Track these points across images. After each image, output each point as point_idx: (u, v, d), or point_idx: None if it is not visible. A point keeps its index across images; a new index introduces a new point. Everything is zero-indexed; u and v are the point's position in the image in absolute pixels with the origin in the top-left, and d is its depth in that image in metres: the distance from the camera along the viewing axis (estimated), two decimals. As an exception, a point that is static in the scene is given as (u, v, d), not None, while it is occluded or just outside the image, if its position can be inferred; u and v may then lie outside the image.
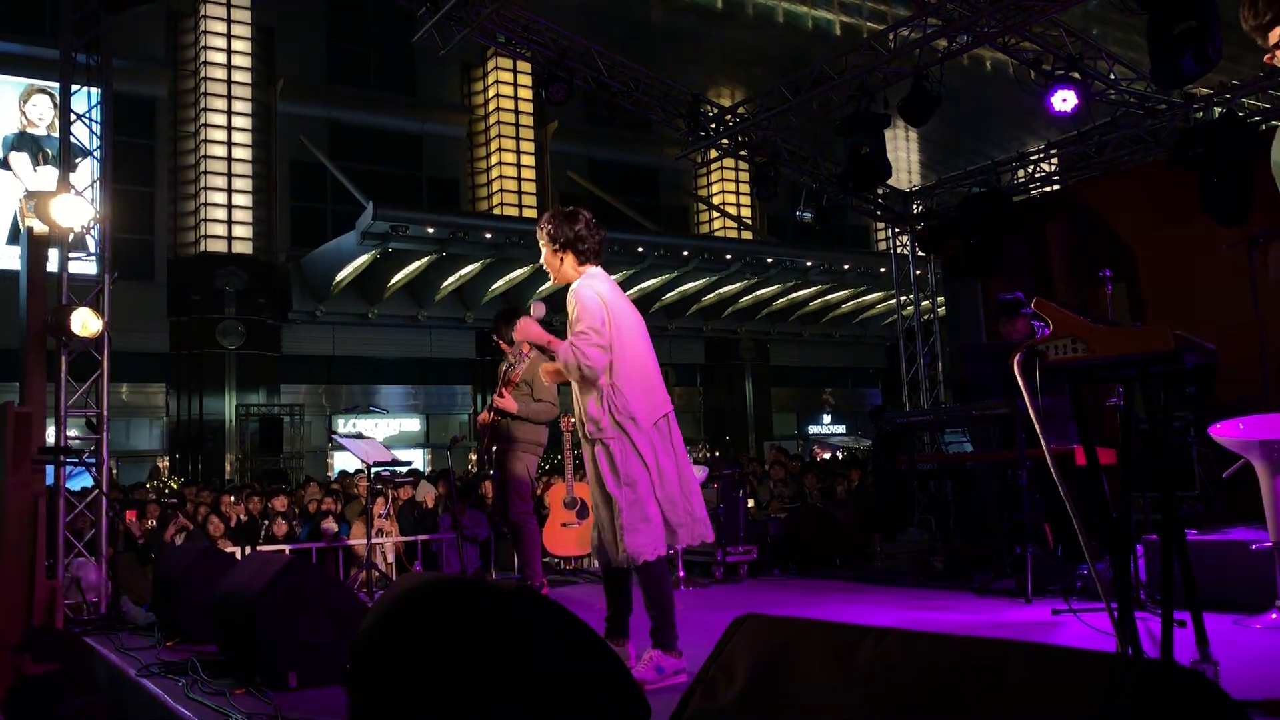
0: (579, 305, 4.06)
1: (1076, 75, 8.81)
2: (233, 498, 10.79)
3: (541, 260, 4.30)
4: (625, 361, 4.08)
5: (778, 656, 1.74)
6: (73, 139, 7.35)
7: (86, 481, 8.47)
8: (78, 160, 7.40)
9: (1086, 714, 1.26)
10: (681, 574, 7.15)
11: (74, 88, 7.38)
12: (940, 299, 12.83)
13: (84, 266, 7.42)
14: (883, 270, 21.22)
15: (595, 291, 4.10)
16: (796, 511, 8.92)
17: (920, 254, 12.56)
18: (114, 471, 7.63)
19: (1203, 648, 3.21)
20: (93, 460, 7.04)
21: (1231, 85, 9.34)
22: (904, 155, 24.97)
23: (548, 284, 20.76)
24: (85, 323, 6.73)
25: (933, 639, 1.60)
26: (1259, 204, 8.09)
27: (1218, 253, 6.08)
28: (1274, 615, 4.45)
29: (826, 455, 21.65)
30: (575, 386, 4.19)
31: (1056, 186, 11.38)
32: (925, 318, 12.79)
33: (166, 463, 19.73)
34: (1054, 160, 11.38)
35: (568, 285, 4.30)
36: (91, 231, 7.30)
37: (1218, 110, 9.37)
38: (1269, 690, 3.38)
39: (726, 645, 1.90)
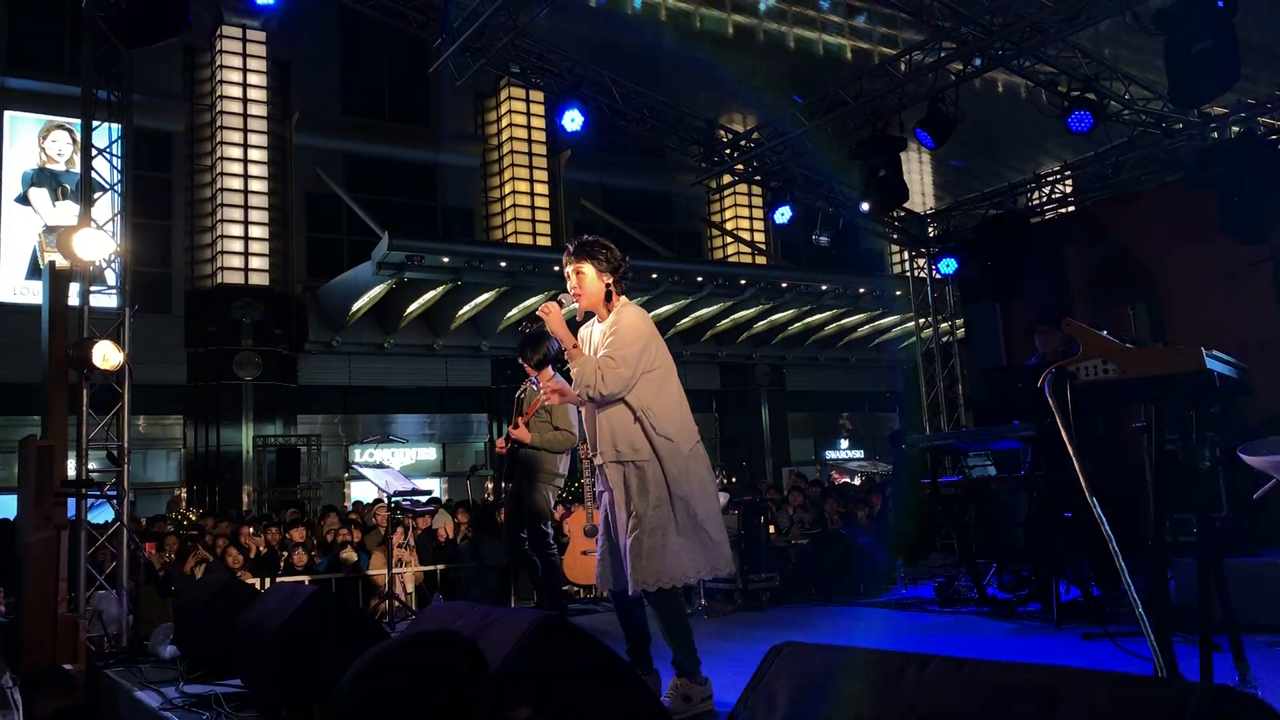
0: (625, 331, 4.01)
1: (1092, 96, 8.80)
2: (252, 529, 10.79)
3: (574, 285, 4.17)
4: (668, 386, 4.07)
5: (820, 685, 1.71)
6: (93, 174, 7.41)
7: (106, 515, 8.49)
8: (97, 195, 7.46)
9: (1147, 741, 1.23)
10: (702, 603, 7.09)
11: (94, 123, 7.45)
12: (959, 321, 12.78)
13: (104, 300, 7.46)
14: (898, 293, 21.14)
15: (647, 324, 4.08)
16: (818, 537, 8.86)
17: (937, 276, 12.52)
18: (133, 504, 7.63)
19: (1243, 670, 3.16)
20: (114, 493, 7.05)
21: (1248, 103, 9.31)
22: (918, 178, 24.96)
23: (563, 312, 20.80)
24: (106, 355, 6.76)
25: (979, 665, 1.57)
26: (1278, 222, 8.05)
27: (1246, 267, 6.03)
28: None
29: (845, 480, 21.53)
30: (593, 408, 4.10)
31: (1073, 208, 11.35)
32: (944, 340, 12.74)
33: (184, 495, 19.75)
34: (1070, 182, 11.36)
35: (589, 313, 4.28)
36: (112, 265, 7.35)
37: (1234, 129, 9.34)
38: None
39: (765, 673, 1.87)
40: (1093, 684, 1.36)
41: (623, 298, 4.21)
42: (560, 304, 4.16)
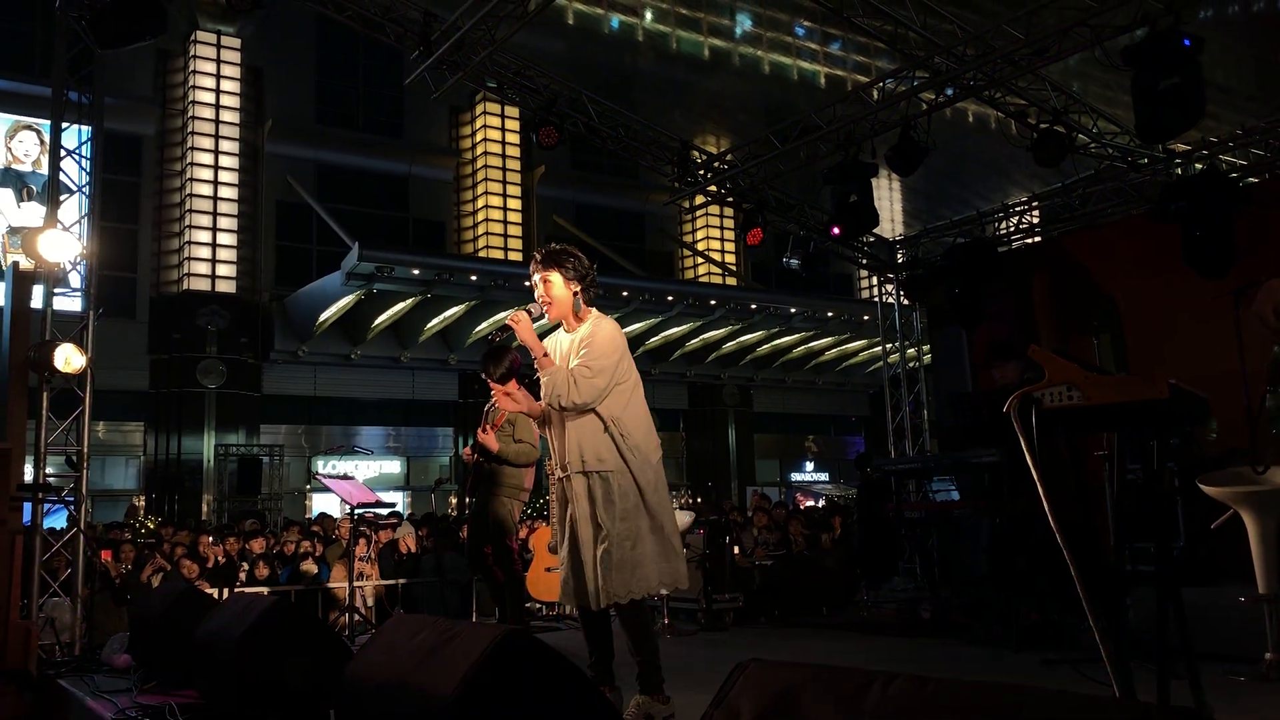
0: (603, 342, 4.03)
1: (1061, 129, 8.94)
2: (211, 538, 10.64)
3: (541, 294, 4.19)
4: (636, 398, 4.09)
5: (783, 702, 1.72)
6: (61, 175, 7.33)
7: (60, 522, 8.35)
8: (64, 197, 7.37)
9: (1106, 761, 1.24)
10: (665, 621, 7.08)
11: (64, 125, 7.37)
12: (925, 347, 12.88)
13: (67, 303, 7.36)
14: (865, 318, 21.33)
15: (621, 337, 4.11)
16: (783, 559, 8.88)
17: (905, 302, 12.63)
18: (89, 510, 7.51)
19: (1198, 696, 3.20)
20: (72, 498, 6.94)
21: (1210, 141, 9.50)
22: (888, 204, 25.20)
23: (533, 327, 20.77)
24: (68, 358, 6.67)
25: (942, 683, 1.58)
26: (1240, 257, 8.20)
27: (1208, 301, 6.13)
28: (1263, 666, 4.44)
29: (809, 503, 21.60)
30: (558, 417, 4.08)
31: (1039, 238, 11.51)
32: (910, 365, 12.84)
33: (143, 502, 19.49)
34: (1037, 212, 11.52)
35: (556, 324, 4.29)
36: (77, 267, 7.26)
37: (1198, 165, 9.52)
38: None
39: (729, 691, 1.87)
40: (1053, 703, 1.38)
41: (594, 310, 4.23)
42: (530, 313, 4.17)
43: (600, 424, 3.99)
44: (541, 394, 4.04)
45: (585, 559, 3.98)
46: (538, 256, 4.23)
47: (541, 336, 4.16)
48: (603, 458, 3.97)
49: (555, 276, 4.16)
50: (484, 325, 20.49)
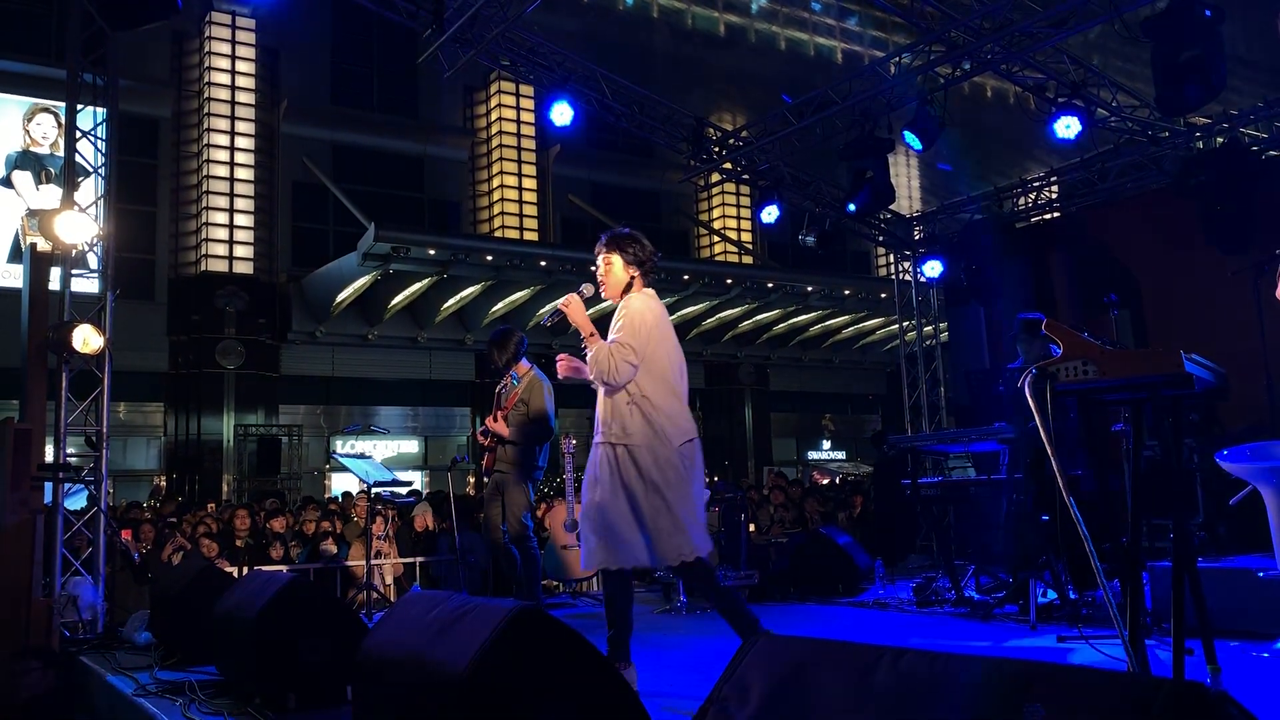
0: (633, 319, 4.12)
1: (1079, 102, 8.84)
2: (246, 511, 10.66)
3: (601, 275, 4.32)
4: (665, 380, 4.16)
5: (794, 676, 1.71)
6: (77, 157, 7.35)
7: (83, 501, 8.42)
8: (81, 179, 7.40)
9: (1116, 735, 1.24)
10: (684, 599, 7.10)
11: (79, 106, 7.39)
12: (943, 324, 12.82)
13: (85, 285, 7.41)
14: (883, 296, 21.21)
15: (653, 314, 4.19)
16: (798, 537, 8.87)
17: (922, 279, 12.56)
18: (111, 490, 7.56)
19: (1214, 672, 3.18)
20: (92, 478, 7.00)
21: (1231, 114, 9.37)
22: (905, 181, 25.01)
23: (548, 307, 20.75)
24: (87, 339, 6.70)
25: (952, 658, 1.57)
26: (1261, 231, 8.11)
27: (1228, 276, 6.08)
28: (1282, 643, 4.41)
29: (826, 481, 21.58)
30: (600, 389, 4.21)
31: (1058, 213, 11.41)
32: (927, 343, 12.78)
33: (163, 482, 19.64)
34: (1055, 187, 11.41)
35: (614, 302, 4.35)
36: (94, 249, 7.29)
37: (1219, 139, 9.41)
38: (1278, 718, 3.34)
39: (740, 664, 1.87)
40: (1064, 677, 1.37)
41: (648, 289, 4.32)
42: (582, 294, 4.33)
43: (626, 396, 4.09)
44: (589, 370, 4.17)
45: (618, 518, 4.02)
46: (603, 238, 4.37)
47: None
48: (629, 431, 4.05)
49: (616, 259, 4.30)
50: (500, 305, 20.49)
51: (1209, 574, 4.93)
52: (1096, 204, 10.60)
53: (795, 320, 24.17)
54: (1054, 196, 11.46)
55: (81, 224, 6.90)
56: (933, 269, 11.93)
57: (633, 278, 4.28)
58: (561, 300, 4.32)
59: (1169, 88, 7.12)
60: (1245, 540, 5.94)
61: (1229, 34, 7.27)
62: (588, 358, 4.15)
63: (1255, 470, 4.64)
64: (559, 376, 4.45)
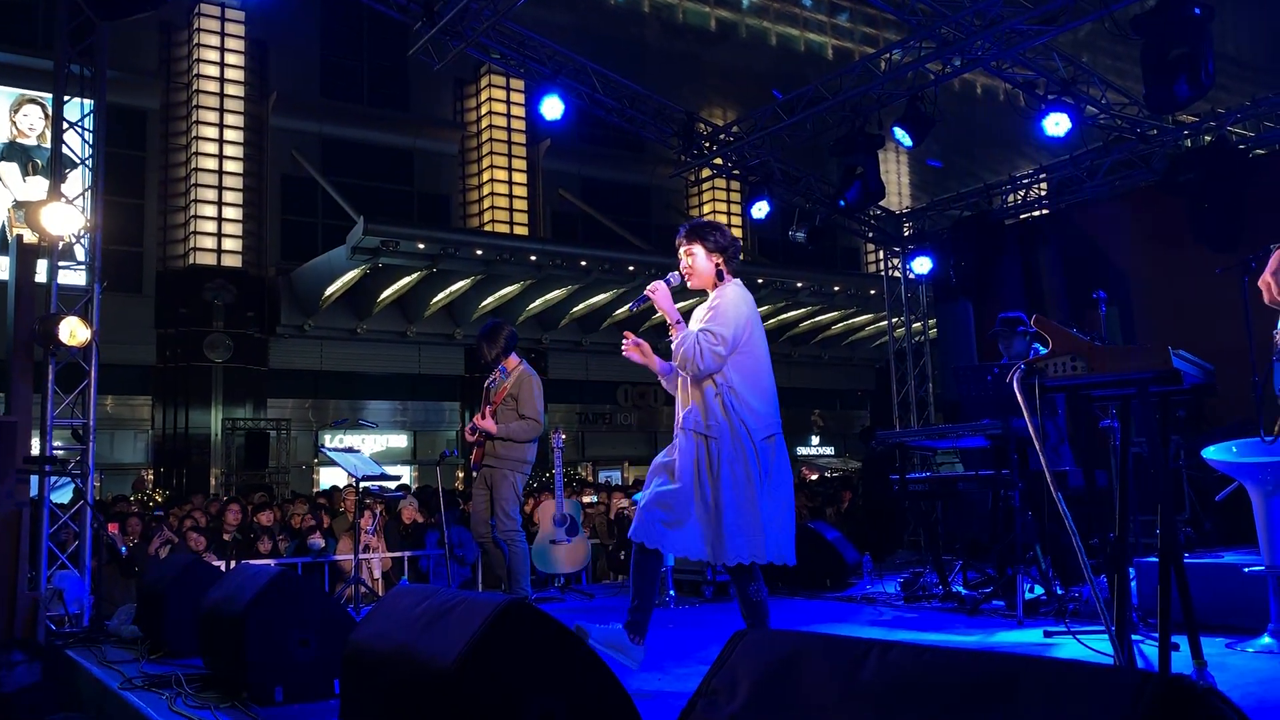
0: (725, 307, 4.13)
1: (1069, 100, 8.86)
2: (236, 505, 10.62)
3: (686, 266, 4.32)
4: (755, 374, 4.15)
5: (782, 670, 1.72)
6: (65, 148, 7.31)
7: (69, 494, 8.38)
8: (68, 171, 7.36)
9: (1103, 728, 1.24)
10: (672, 593, 7.10)
11: (66, 97, 7.34)
12: (931, 321, 12.85)
13: (73, 277, 7.37)
14: (872, 292, 21.25)
15: (747, 304, 4.20)
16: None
17: (911, 276, 12.59)
18: (98, 484, 7.54)
19: (1199, 666, 3.20)
20: (78, 471, 6.97)
21: (1219, 113, 9.41)
22: (895, 177, 25.03)
23: (538, 301, 20.75)
24: (73, 331, 6.67)
25: (939, 652, 1.58)
26: (1249, 229, 8.15)
27: (1216, 274, 6.11)
28: (1267, 639, 4.44)
29: (814, 476, 21.61)
30: (686, 378, 4.19)
31: (1047, 210, 11.44)
32: (916, 340, 12.81)
33: (151, 476, 19.57)
34: (1044, 184, 11.45)
35: (698, 292, 4.39)
36: (81, 241, 7.25)
37: (1207, 137, 9.44)
38: (1263, 714, 3.36)
39: (728, 658, 1.87)
40: (1051, 671, 1.37)
41: (732, 278, 4.31)
42: (669, 283, 4.35)
43: (714, 388, 4.07)
44: (673, 358, 4.15)
45: (670, 504, 4.02)
46: (682, 230, 4.39)
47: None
48: (710, 423, 4.04)
49: (698, 249, 4.29)
50: (489, 300, 20.46)
51: (1195, 569, 4.95)
52: (1085, 201, 10.63)
53: (785, 316, 24.20)
54: (1043, 194, 11.49)
55: (68, 216, 6.86)
56: (922, 265, 11.96)
57: (719, 265, 4.28)
58: (649, 287, 4.32)
59: (1158, 85, 7.15)
60: (1231, 536, 5.97)
61: (1218, 32, 7.29)
62: (673, 345, 4.13)
63: (1241, 466, 4.67)
64: (623, 353, 4.42)
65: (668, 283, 4.34)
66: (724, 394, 4.05)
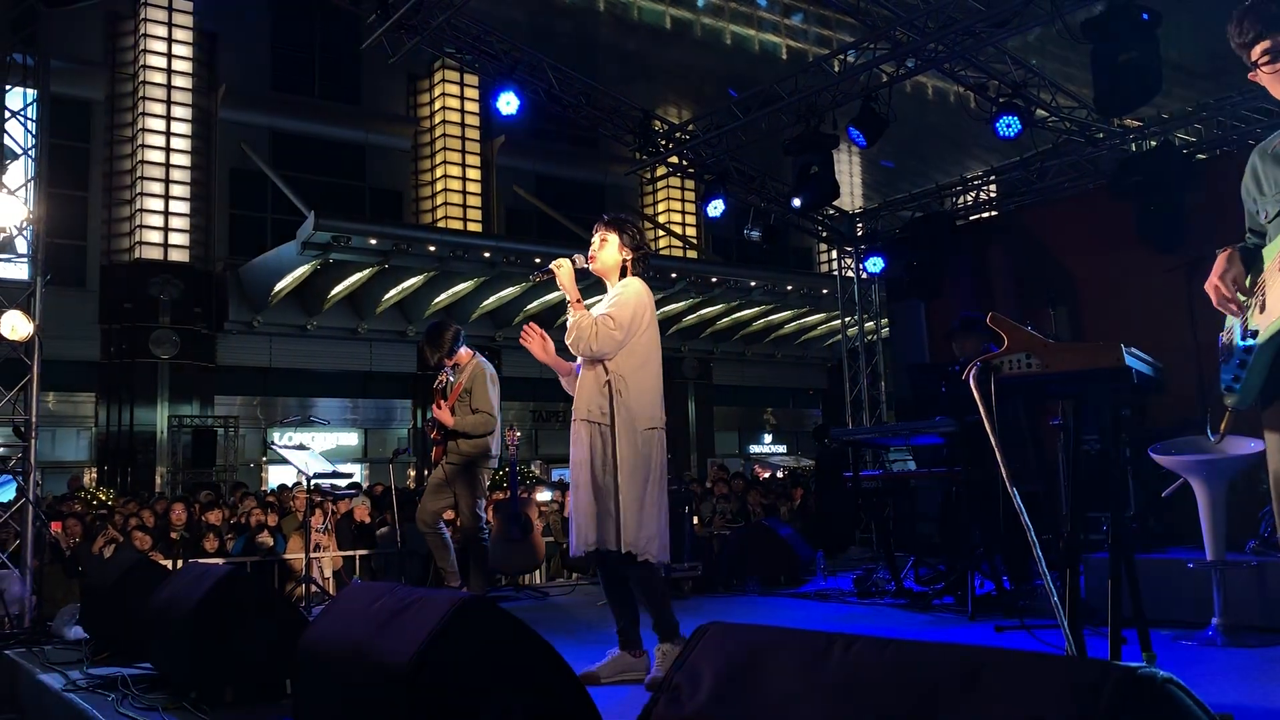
0: (626, 300, 4.16)
1: (1020, 102, 8.98)
2: (181, 505, 10.44)
3: (594, 249, 4.35)
4: (644, 367, 4.18)
5: (745, 663, 1.71)
6: (6, 138, 7.14)
7: (11, 493, 8.18)
8: (9, 161, 7.19)
9: (1065, 715, 1.25)
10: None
11: (8, 86, 7.17)
12: (883, 320, 12.97)
13: (14, 270, 7.22)
14: (825, 291, 21.41)
15: (648, 301, 4.25)
16: (742, 529, 8.92)
17: (864, 275, 12.70)
18: (39, 482, 7.35)
19: (1149, 659, 3.25)
20: (20, 469, 6.81)
21: (1163, 118, 9.59)
22: (848, 177, 25.23)
23: (491, 299, 20.64)
24: (15, 326, 6.53)
25: (902, 644, 1.58)
26: (1192, 231, 8.32)
27: (1162, 274, 6.24)
28: (1211, 631, 4.54)
29: (767, 474, 21.73)
30: (581, 361, 4.26)
31: (996, 212, 11.60)
32: (868, 338, 12.92)
33: (94, 474, 19.17)
34: (994, 186, 11.60)
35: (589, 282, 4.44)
36: (24, 233, 7.09)
37: (1152, 141, 9.63)
38: (1212, 706, 3.43)
39: (691, 652, 1.86)
40: (1016, 663, 1.39)
41: (637, 278, 4.34)
42: (574, 263, 4.36)
43: (605, 374, 4.13)
44: (567, 335, 4.17)
45: (584, 503, 4.09)
46: (605, 217, 4.44)
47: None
48: (601, 410, 4.10)
49: (613, 238, 4.34)
50: (442, 297, 20.31)
51: (1142, 565, 5.05)
52: (1035, 203, 10.79)
53: (739, 315, 24.31)
54: (993, 195, 11.64)
55: (10, 207, 6.71)
56: (875, 265, 12.06)
57: (626, 261, 4.32)
58: (554, 262, 4.33)
59: (1108, 89, 7.27)
60: (1177, 533, 6.09)
61: (1163, 39, 7.43)
62: (569, 323, 4.16)
63: (1187, 463, 4.77)
64: (520, 341, 4.41)
65: (573, 261, 4.36)
66: (613, 381, 4.12)
